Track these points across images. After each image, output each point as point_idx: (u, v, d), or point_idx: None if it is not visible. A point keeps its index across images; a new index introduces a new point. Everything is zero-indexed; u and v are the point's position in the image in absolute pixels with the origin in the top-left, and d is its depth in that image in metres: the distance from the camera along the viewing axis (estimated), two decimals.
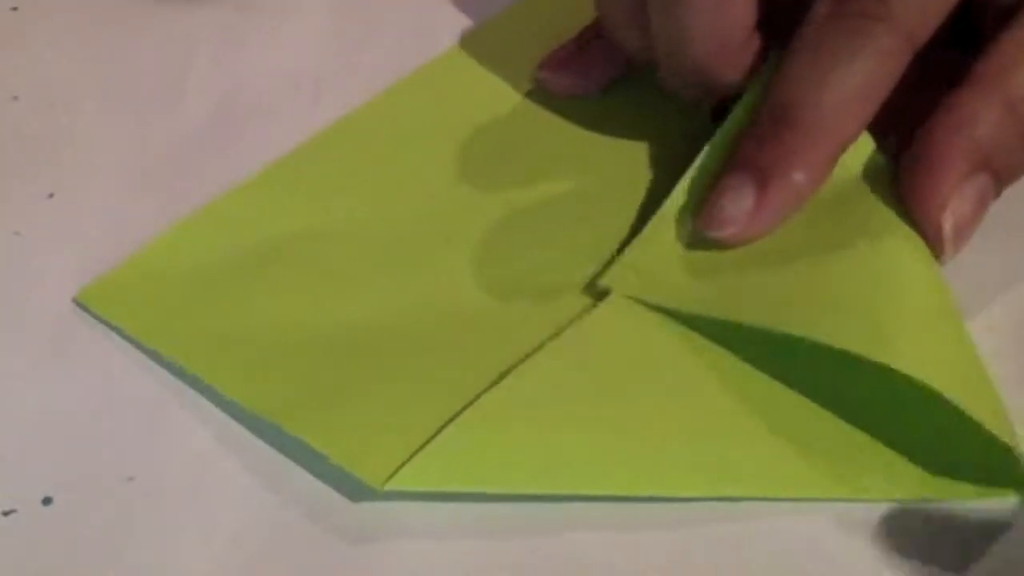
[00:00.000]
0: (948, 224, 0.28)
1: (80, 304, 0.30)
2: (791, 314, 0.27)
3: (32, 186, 0.34)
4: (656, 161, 0.32)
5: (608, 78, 0.34)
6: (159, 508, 0.27)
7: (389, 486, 0.25)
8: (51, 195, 0.33)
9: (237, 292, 0.30)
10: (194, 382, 0.28)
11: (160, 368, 0.29)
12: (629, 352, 0.28)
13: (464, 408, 0.26)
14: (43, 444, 0.28)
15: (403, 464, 0.25)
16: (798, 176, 0.28)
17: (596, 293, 0.29)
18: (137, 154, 0.34)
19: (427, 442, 0.25)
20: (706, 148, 0.30)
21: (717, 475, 0.26)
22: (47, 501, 0.27)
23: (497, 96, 0.35)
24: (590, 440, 0.26)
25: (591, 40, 0.34)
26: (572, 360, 0.27)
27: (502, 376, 0.27)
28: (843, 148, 0.28)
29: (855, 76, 0.28)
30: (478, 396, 0.26)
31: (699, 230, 0.29)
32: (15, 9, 0.39)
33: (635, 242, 0.30)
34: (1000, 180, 0.28)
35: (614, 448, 0.26)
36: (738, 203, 0.29)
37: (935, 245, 0.28)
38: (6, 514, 0.27)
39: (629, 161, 0.32)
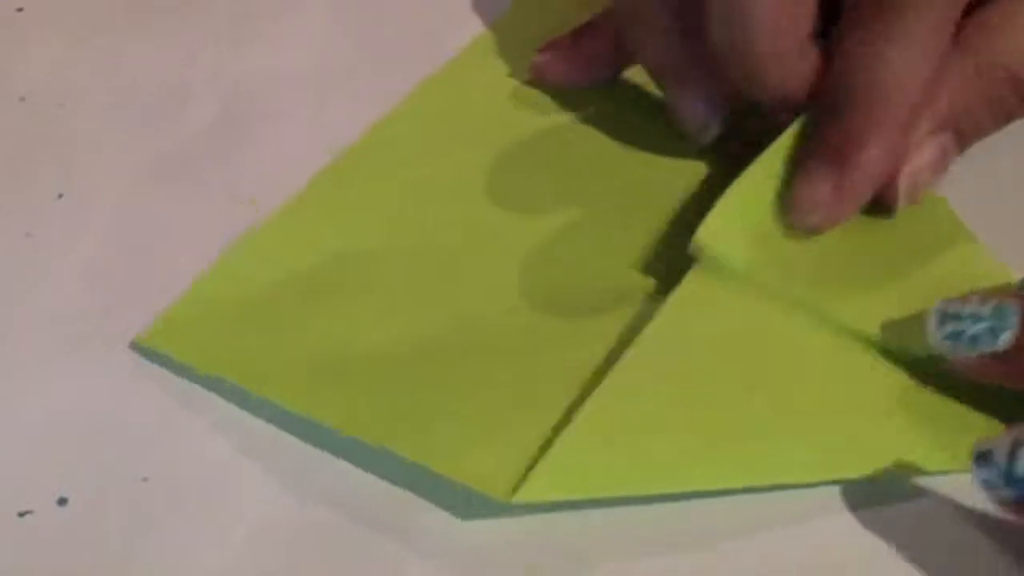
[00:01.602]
0: (904, 179, 0.29)
1: (143, 347, 0.29)
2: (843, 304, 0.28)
3: (42, 187, 0.34)
4: (685, 156, 0.32)
5: (606, 73, 0.34)
6: (174, 509, 0.27)
7: (516, 499, 0.25)
8: (60, 196, 0.33)
9: (303, 318, 0.29)
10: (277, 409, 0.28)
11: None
12: (718, 339, 0.28)
13: (567, 414, 0.26)
14: (58, 445, 0.28)
15: (526, 476, 0.25)
16: (872, 152, 0.28)
17: (659, 286, 0.29)
18: (145, 154, 0.34)
19: (542, 452, 0.25)
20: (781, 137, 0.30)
21: (822, 460, 0.26)
22: (62, 502, 0.27)
23: (519, 98, 0.34)
24: (702, 435, 0.26)
25: (594, 31, 0.34)
26: (665, 354, 0.27)
27: (591, 377, 0.27)
28: (910, 118, 0.28)
29: (906, 47, 0.28)
30: (578, 401, 0.27)
31: (789, 220, 0.29)
32: (20, 10, 0.39)
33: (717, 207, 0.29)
34: (963, 140, 0.29)
35: (725, 441, 0.26)
36: (818, 188, 0.29)
37: (888, 196, 0.29)
38: (22, 515, 0.27)
39: (660, 158, 0.32)
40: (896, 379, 0.27)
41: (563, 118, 0.34)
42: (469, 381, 0.28)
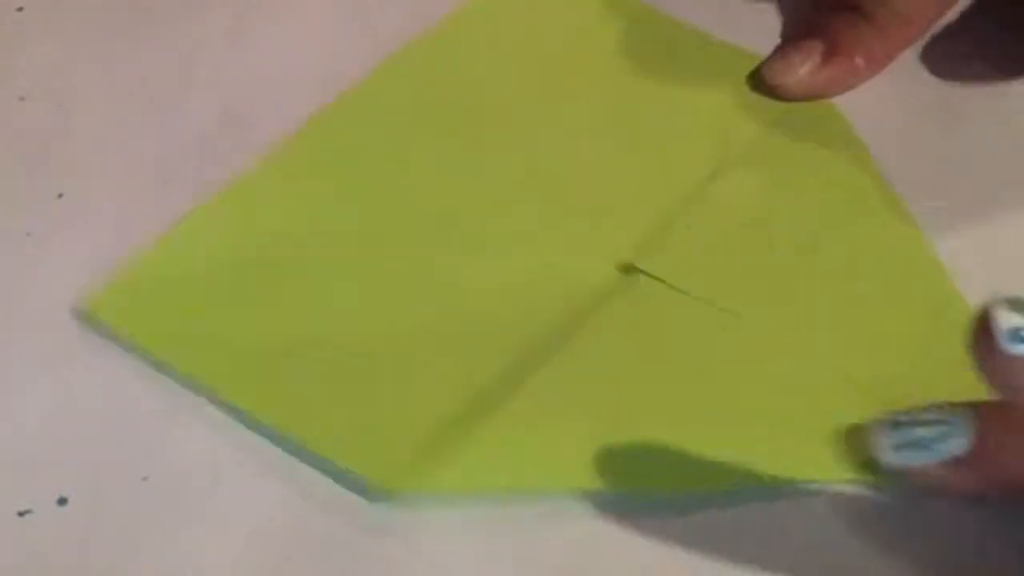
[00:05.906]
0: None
1: (83, 312, 0.30)
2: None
3: (41, 186, 0.34)
4: (648, 148, 0.32)
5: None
6: (173, 507, 0.27)
7: (402, 491, 0.25)
8: (60, 195, 0.33)
9: (238, 298, 0.30)
10: (201, 388, 0.28)
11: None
12: (646, 345, 0.28)
13: (474, 409, 0.26)
14: (57, 444, 0.28)
15: (415, 469, 0.25)
16: (859, 61, 0.33)
17: (603, 282, 0.29)
18: (146, 153, 0.34)
19: (438, 447, 0.26)
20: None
21: (733, 466, 0.26)
22: (62, 501, 0.27)
23: (487, 77, 0.35)
24: (603, 438, 0.26)
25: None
26: (591, 358, 0.28)
27: (507, 373, 0.27)
28: (905, 47, 0.33)
29: None
30: (487, 397, 0.27)
31: (764, 76, 0.33)
32: (20, 9, 0.39)
33: (662, 232, 0.30)
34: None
35: (628, 443, 0.26)
36: (806, 60, 0.33)
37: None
38: (22, 514, 0.27)
39: (627, 141, 0.33)
40: (818, 392, 0.27)
41: (526, 106, 0.34)
42: (390, 369, 0.28)
